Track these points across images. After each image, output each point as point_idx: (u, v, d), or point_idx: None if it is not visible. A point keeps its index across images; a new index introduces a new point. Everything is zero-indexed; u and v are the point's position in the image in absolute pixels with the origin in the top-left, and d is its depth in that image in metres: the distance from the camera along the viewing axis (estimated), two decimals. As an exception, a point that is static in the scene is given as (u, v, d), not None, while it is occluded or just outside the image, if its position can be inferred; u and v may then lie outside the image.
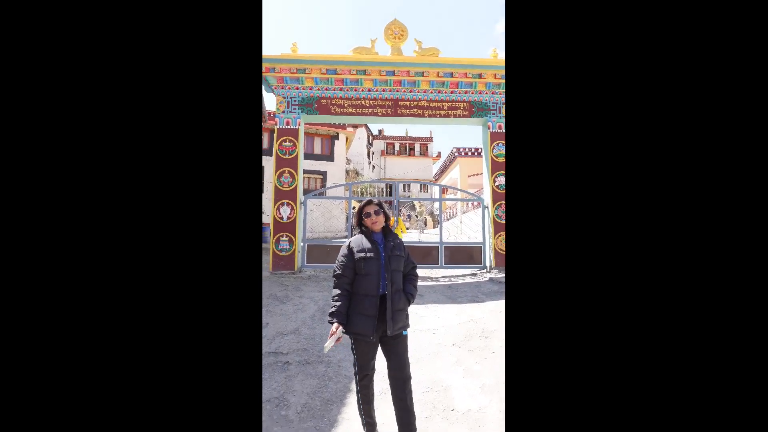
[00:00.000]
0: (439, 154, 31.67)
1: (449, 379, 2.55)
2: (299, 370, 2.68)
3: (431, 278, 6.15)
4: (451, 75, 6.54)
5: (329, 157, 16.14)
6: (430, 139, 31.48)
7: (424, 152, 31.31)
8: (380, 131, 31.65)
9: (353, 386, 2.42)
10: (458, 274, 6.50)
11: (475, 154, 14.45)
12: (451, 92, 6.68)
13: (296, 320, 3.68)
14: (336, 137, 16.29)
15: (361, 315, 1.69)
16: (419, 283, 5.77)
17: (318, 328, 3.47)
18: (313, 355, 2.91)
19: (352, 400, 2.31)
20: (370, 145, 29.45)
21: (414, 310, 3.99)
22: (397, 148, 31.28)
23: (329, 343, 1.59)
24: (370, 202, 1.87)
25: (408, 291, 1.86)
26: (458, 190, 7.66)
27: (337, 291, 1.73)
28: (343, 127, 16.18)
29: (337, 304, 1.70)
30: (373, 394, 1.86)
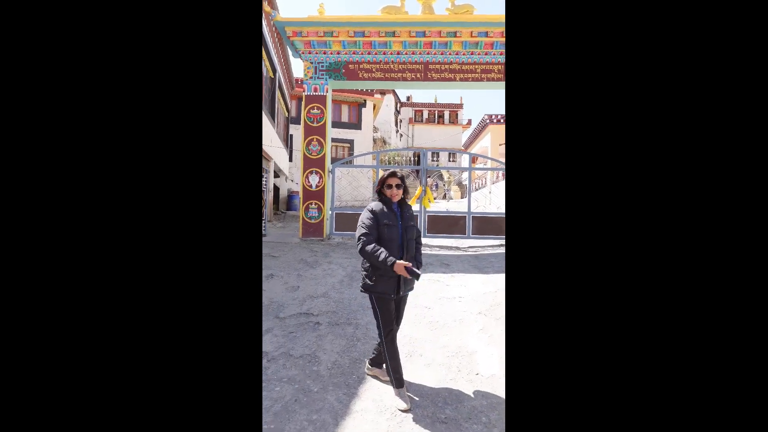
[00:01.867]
0: (469, 122, 30.49)
1: (474, 345, 2.60)
2: (329, 331, 2.82)
3: (458, 248, 6.14)
4: (486, 35, 6.12)
5: (356, 125, 15.96)
6: (460, 106, 30.25)
7: (454, 120, 30.24)
8: (408, 98, 30.72)
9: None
10: (486, 244, 6.44)
11: (508, 121, 13.77)
12: (485, 54, 6.28)
13: (325, 284, 3.83)
14: (363, 104, 16.01)
15: (384, 276, 1.89)
16: (447, 252, 5.84)
17: (346, 292, 3.60)
18: (342, 317, 3.04)
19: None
20: (398, 112, 28.77)
21: (440, 279, 4.03)
22: (425, 115, 30.38)
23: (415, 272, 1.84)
24: (393, 174, 1.99)
25: (418, 259, 2.09)
26: (488, 159, 7.40)
27: (372, 245, 1.85)
28: (371, 93, 15.82)
29: (381, 250, 1.83)
30: (398, 350, 2.02)
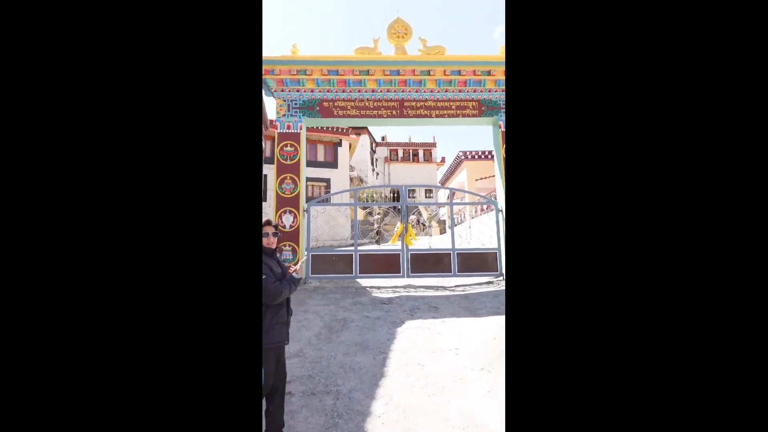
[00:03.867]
0: (443, 160, 31.39)
1: (484, 415, 2.15)
2: (303, 404, 2.29)
3: (444, 287, 5.75)
4: (459, 73, 6.22)
5: (333, 164, 15.88)
6: (433, 145, 31.24)
7: (428, 158, 31.04)
8: (383, 138, 31.51)
9: (368, 425, 2.03)
10: (473, 282, 6.09)
11: (482, 156, 14.07)
12: (459, 91, 6.35)
13: (300, 339, 3.31)
14: (339, 144, 16.05)
15: (278, 324, 1.81)
16: (433, 293, 5.45)
17: (324, 348, 3.09)
18: (320, 384, 2.53)
19: (367, 443, 1.92)
20: (373, 152, 29.27)
21: (431, 326, 3.60)
22: (400, 154, 31.07)
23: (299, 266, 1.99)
24: (268, 223, 1.93)
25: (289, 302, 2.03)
26: (469, 193, 7.30)
27: (282, 286, 1.82)
28: (347, 133, 15.95)
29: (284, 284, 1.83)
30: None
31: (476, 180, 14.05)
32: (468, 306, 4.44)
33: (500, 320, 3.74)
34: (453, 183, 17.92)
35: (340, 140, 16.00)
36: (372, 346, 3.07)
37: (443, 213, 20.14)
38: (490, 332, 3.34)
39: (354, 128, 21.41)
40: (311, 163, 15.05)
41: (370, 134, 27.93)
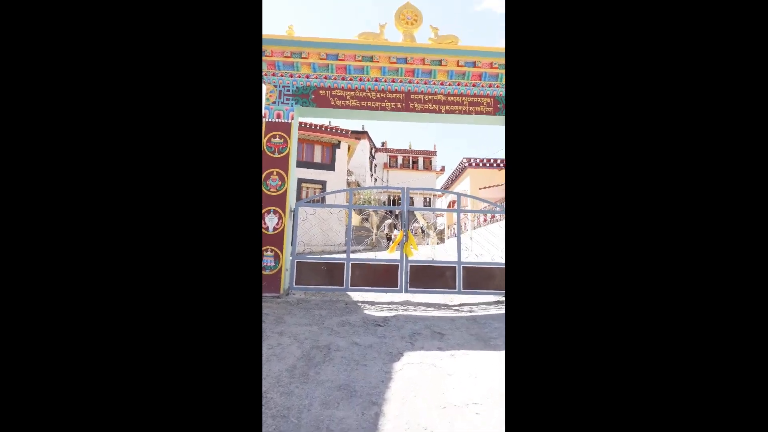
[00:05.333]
0: (443, 169, 30.87)
1: None
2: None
3: (448, 306, 5.00)
4: (474, 65, 5.55)
5: (330, 165, 15.17)
6: (433, 153, 30.73)
7: (428, 166, 30.51)
8: (383, 143, 30.98)
9: None
10: (480, 301, 5.34)
11: (487, 165, 13.41)
12: (473, 85, 5.68)
13: (268, 375, 2.53)
14: (338, 145, 15.37)
15: None
16: (435, 312, 4.69)
17: (298, 392, 2.30)
18: (283, 454, 1.74)
19: None
20: (372, 157, 28.67)
21: (437, 362, 2.83)
22: (400, 161, 30.51)
23: None
24: None
25: None
26: (478, 200, 6.60)
27: None
28: (346, 135, 15.28)
29: None
30: None
31: (480, 189, 13.38)
32: (479, 333, 3.69)
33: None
34: (456, 191, 17.29)
35: (339, 142, 15.32)
36: (361, 391, 2.30)
37: (441, 222, 19.43)
38: (515, 376, 2.58)
39: (354, 132, 20.77)
40: (307, 164, 14.34)
41: (370, 139, 27.39)
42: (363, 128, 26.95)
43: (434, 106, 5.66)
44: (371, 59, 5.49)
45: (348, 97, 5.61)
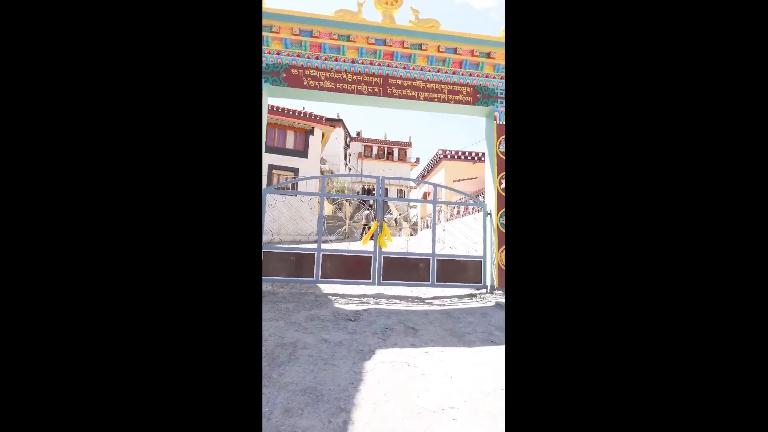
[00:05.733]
0: (417, 160, 30.88)
1: None
2: None
3: (421, 299, 4.88)
4: (455, 51, 5.38)
5: (303, 153, 14.63)
6: (408, 144, 30.63)
7: (403, 157, 30.40)
8: (359, 133, 30.48)
9: None
10: (453, 294, 5.27)
11: (462, 157, 13.42)
12: (453, 73, 5.51)
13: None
14: (311, 132, 14.83)
15: None
16: (408, 306, 4.55)
17: (257, 396, 2.07)
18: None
19: None
20: (347, 146, 28.13)
21: (410, 360, 2.67)
22: (375, 151, 30.18)
23: None
24: None
25: None
26: (455, 191, 6.48)
27: None
28: (320, 121, 14.76)
29: None
30: None
31: (454, 181, 13.39)
32: (453, 328, 3.58)
33: (499, 353, 2.89)
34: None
35: (313, 128, 14.79)
36: (328, 395, 2.10)
37: (414, 214, 19.43)
38: (490, 374, 2.47)
39: (329, 120, 20.16)
40: (279, 150, 13.75)
41: (345, 127, 26.82)
42: (338, 116, 26.35)
43: (413, 92, 5.45)
44: (348, 38, 5.17)
45: (322, 77, 5.28)
